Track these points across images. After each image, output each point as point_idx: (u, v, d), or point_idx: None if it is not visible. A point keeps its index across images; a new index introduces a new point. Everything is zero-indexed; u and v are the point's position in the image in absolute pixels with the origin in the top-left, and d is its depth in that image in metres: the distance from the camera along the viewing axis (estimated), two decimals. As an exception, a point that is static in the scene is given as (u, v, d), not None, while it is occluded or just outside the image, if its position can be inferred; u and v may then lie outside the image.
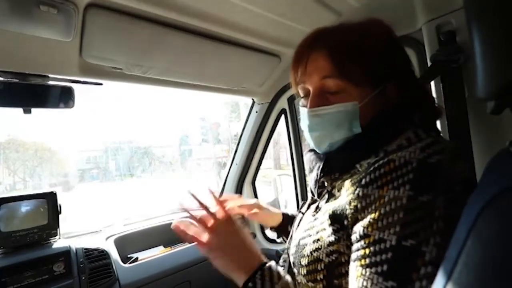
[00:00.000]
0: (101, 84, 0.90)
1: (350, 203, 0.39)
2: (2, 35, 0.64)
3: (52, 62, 0.78)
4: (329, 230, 0.42)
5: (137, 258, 1.10)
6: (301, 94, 0.53)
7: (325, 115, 0.47)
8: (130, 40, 0.77)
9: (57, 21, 0.63)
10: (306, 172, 0.55)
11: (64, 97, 0.87)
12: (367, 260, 0.34)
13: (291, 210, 0.78)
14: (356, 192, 0.38)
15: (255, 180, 1.52)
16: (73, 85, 0.87)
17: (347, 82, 0.45)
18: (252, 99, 1.37)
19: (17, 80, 0.78)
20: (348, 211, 0.39)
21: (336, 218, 0.41)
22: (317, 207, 0.50)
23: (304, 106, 0.51)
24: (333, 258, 0.41)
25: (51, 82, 0.83)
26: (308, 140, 0.52)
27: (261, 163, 1.49)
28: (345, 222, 0.40)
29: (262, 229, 1.49)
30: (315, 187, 0.51)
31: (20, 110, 0.81)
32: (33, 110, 0.83)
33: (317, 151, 0.53)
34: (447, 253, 0.25)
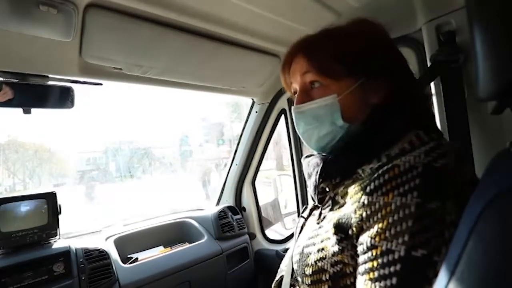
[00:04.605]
0: (101, 84, 0.90)
1: (355, 211, 0.38)
2: (2, 35, 0.64)
3: (52, 62, 0.78)
4: (334, 239, 0.41)
5: (137, 258, 1.10)
6: (293, 93, 0.56)
7: (307, 110, 0.49)
8: (130, 40, 0.76)
9: (57, 21, 0.63)
10: (306, 177, 0.54)
11: (64, 97, 0.87)
12: (375, 274, 0.33)
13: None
14: (362, 200, 0.37)
15: (255, 180, 1.51)
16: (73, 85, 0.87)
17: (325, 76, 0.47)
18: (252, 99, 1.37)
19: (17, 80, 0.78)
20: (353, 220, 0.38)
21: (340, 227, 0.40)
22: (321, 214, 0.50)
23: None
24: (338, 268, 0.40)
25: (51, 82, 0.83)
26: (302, 139, 0.54)
27: (261, 163, 1.49)
28: (350, 232, 0.38)
29: (262, 229, 1.49)
30: (315, 193, 0.50)
31: (20, 110, 0.81)
32: (33, 110, 0.83)
33: (311, 149, 0.53)
34: (449, 253, 0.25)
